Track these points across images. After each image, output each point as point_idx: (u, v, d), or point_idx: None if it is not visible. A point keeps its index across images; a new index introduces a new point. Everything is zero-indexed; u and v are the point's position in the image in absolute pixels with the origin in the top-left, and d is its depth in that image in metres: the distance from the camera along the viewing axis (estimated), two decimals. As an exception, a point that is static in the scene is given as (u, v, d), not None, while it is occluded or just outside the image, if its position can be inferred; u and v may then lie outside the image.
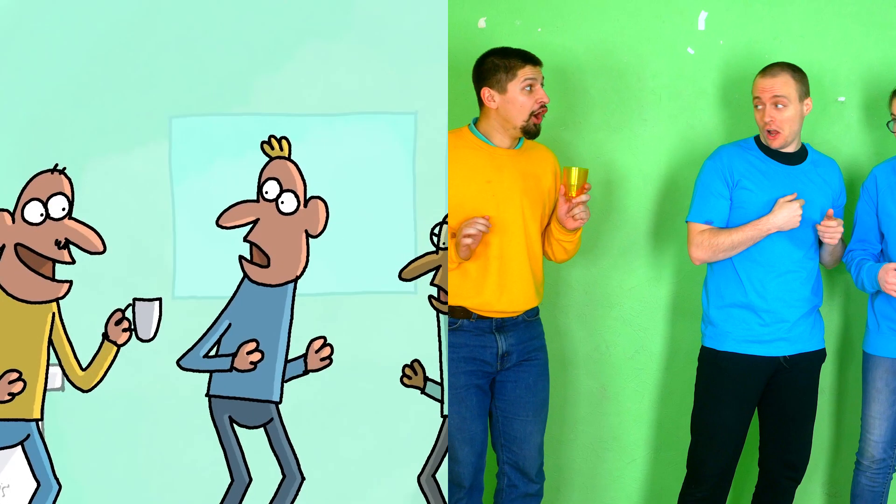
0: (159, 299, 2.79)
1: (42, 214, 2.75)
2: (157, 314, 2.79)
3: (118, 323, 2.78)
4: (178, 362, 2.81)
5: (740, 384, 3.27)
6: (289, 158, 2.82)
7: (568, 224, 3.16)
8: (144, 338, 2.79)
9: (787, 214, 3.13)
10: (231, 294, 2.82)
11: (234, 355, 2.83)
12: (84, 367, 2.79)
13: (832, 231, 3.15)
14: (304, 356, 2.85)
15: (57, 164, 2.75)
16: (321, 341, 2.84)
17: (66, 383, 2.79)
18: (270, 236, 2.82)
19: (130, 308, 2.79)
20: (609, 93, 3.63)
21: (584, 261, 3.69)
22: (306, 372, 2.85)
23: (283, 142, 2.80)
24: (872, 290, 3.22)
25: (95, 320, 2.79)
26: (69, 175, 2.75)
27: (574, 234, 3.23)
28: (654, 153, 3.62)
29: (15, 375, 2.76)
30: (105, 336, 2.78)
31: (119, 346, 2.79)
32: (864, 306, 3.44)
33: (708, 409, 3.32)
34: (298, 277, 2.83)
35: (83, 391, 2.79)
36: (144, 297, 2.79)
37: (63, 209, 2.76)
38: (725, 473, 3.33)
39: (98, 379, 2.79)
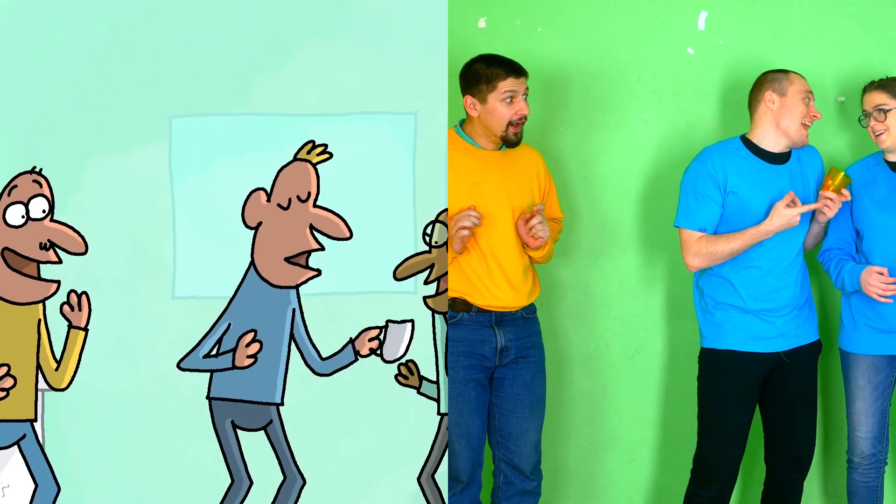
0: (412, 321, 2.83)
1: (23, 216, 2.75)
2: (409, 335, 2.83)
3: (77, 308, 2.77)
4: (178, 364, 2.81)
5: (742, 381, 3.26)
6: (314, 164, 2.83)
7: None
8: (389, 358, 2.83)
9: (786, 220, 3.12)
10: (230, 294, 2.83)
11: (234, 352, 2.83)
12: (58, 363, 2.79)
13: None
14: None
15: (35, 167, 2.75)
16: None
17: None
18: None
19: (382, 329, 2.83)
20: (609, 93, 3.63)
21: (584, 261, 3.69)
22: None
23: (325, 155, 2.82)
24: (852, 289, 3.20)
25: (95, 320, 2.79)
26: (46, 175, 2.76)
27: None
28: (655, 153, 3.62)
29: (3, 370, 2.75)
30: (69, 324, 2.77)
31: (86, 329, 2.78)
32: (838, 304, 3.43)
33: (713, 410, 3.30)
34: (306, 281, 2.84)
35: (58, 390, 2.78)
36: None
37: (44, 211, 2.76)
38: (733, 471, 3.33)
39: (72, 372, 2.78)
